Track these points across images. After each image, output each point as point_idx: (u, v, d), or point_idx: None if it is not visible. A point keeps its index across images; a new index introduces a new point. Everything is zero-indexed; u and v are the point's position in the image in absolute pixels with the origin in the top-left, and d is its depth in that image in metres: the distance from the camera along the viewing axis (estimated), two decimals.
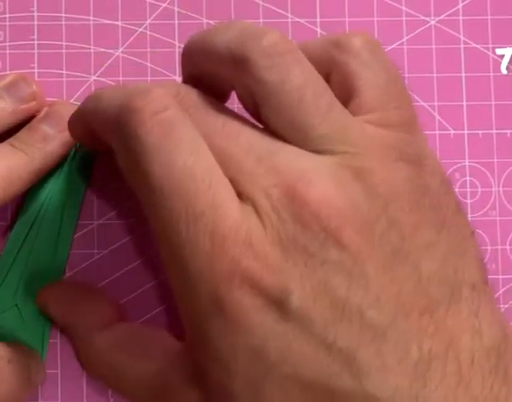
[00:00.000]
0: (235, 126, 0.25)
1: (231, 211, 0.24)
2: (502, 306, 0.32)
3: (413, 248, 0.24)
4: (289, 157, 0.24)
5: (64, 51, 0.32)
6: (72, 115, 0.29)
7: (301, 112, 0.25)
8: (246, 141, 0.25)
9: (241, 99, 0.26)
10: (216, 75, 0.27)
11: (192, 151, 0.24)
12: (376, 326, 0.23)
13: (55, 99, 0.32)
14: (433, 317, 0.24)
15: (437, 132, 0.33)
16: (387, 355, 0.23)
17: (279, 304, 0.23)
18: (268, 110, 0.25)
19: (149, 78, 0.32)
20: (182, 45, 0.32)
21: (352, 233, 0.24)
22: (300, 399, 0.24)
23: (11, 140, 0.30)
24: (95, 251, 0.32)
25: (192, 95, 0.26)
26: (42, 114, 0.31)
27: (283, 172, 0.24)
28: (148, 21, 0.33)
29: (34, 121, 0.31)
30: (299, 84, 0.25)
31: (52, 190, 0.31)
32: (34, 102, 0.31)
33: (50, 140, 0.30)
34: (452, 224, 0.25)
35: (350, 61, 0.26)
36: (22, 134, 0.30)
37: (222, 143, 0.25)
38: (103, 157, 0.32)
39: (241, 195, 0.24)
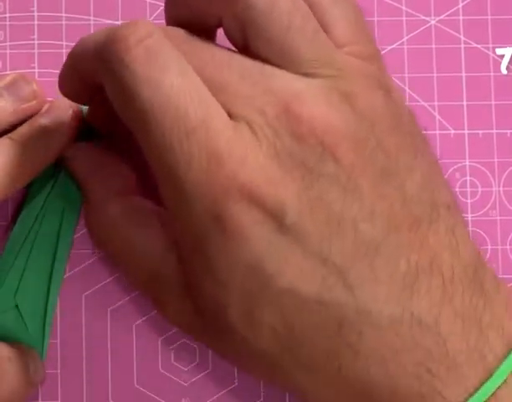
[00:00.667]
0: (225, 55, 0.26)
1: (224, 127, 0.24)
2: None
3: (398, 168, 0.25)
4: (282, 79, 0.25)
5: (64, 51, 0.32)
6: (62, 68, 0.29)
7: (291, 37, 0.25)
8: (238, 68, 0.25)
9: (229, 34, 0.26)
10: (202, 14, 0.27)
11: (178, 73, 0.24)
12: (370, 240, 0.24)
13: (56, 99, 0.32)
14: (418, 233, 0.25)
15: (437, 132, 0.33)
16: (379, 268, 0.24)
17: (276, 217, 0.24)
18: (258, 36, 0.25)
19: None
20: None
21: (347, 149, 0.24)
22: (295, 313, 0.24)
23: (11, 134, 0.30)
24: (95, 251, 0.32)
25: (178, 31, 0.26)
26: (43, 110, 0.31)
27: (277, 92, 0.25)
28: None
29: (36, 116, 0.31)
30: (287, 9, 0.25)
31: (52, 190, 0.31)
32: (35, 101, 0.31)
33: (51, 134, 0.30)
34: (423, 150, 0.26)
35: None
36: (23, 128, 0.30)
37: (214, 72, 0.25)
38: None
39: (233, 116, 0.25)
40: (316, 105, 0.25)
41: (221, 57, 0.25)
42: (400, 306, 0.24)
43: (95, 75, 0.26)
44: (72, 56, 0.28)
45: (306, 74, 0.25)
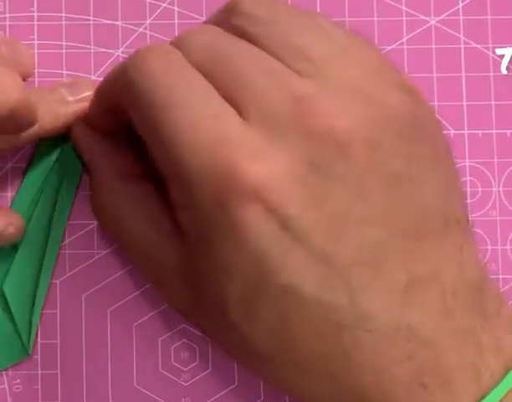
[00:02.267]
0: (247, 50, 0.26)
1: (233, 122, 0.24)
2: None
3: (412, 175, 0.25)
4: (298, 78, 0.25)
5: (63, 51, 0.32)
6: (89, 107, 0.30)
7: (297, 38, 0.26)
8: (260, 64, 0.25)
9: None
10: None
11: (192, 80, 0.25)
12: (376, 245, 0.24)
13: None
14: (425, 245, 0.24)
15: None
16: (381, 275, 0.24)
17: (280, 214, 0.24)
18: (264, 43, 0.26)
19: None
20: None
21: (359, 149, 0.24)
22: (293, 311, 0.24)
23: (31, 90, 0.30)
24: (95, 251, 0.32)
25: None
26: (65, 81, 0.31)
27: (292, 89, 0.25)
28: (148, 21, 0.33)
29: (56, 84, 0.31)
30: (286, 18, 0.26)
31: (48, 176, 0.31)
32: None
33: (65, 104, 0.30)
34: (446, 162, 0.26)
35: None
36: (40, 90, 0.30)
37: (233, 68, 0.25)
38: None
39: (246, 113, 0.25)
40: (333, 101, 0.24)
41: (246, 50, 0.26)
42: (398, 316, 0.24)
43: (116, 98, 0.27)
44: (97, 92, 0.29)
45: (319, 75, 0.25)
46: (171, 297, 0.28)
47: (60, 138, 0.31)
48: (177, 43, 0.27)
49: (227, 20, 0.27)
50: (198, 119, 0.24)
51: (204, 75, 0.25)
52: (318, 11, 0.33)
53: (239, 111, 0.25)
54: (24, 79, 0.31)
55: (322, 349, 0.24)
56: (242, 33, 0.26)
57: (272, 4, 0.27)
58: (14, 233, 0.30)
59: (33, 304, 0.31)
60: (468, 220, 0.26)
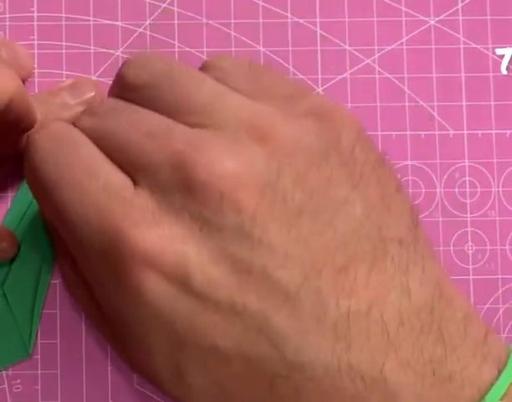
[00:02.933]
0: (133, 113, 0.25)
1: (120, 192, 0.24)
2: (501, 306, 0.32)
3: (324, 204, 0.23)
4: (182, 131, 0.24)
5: (64, 51, 0.32)
6: None
7: (181, 91, 0.25)
8: (145, 126, 0.25)
9: None
10: None
11: (78, 146, 0.25)
12: (287, 287, 0.22)
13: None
14: (353, 275, 0.23)
15: (436, 132, 0.33)
16: (304, 316, 0.22)
17: (177, 277, 0.23)
18: (153, 106, 0.25)
19: None
20: (182, 45, 0.32)
21: (249, 194, 0.23)
22: (220, 370, 0.23)
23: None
24: None
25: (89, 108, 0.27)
26: (66, 83, 0.31)
27: (175, 145, 0.24)
28: (148, 21, 0.33)
29: (57, 87, 0.31)
30: (168, 78, 0.26)
31: None
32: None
33: (67, 109, 0.30)
34: (371, 179, 0.24)
35: None
36: (41, 95, 0.30)
37: (120, 136, 0.25)
38: None
39: (135, 177, 0.24)
40: (215, 149, 0.23)
41: (129, 117, 0.25)
42: (335, 357, 0.22)
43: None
44: None
45: (205, 124, 0.24)
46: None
47: None
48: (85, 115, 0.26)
49: (119, 94, 0.26)
50: (85, 194, 0.24)
51: (99, 148, 0.25)
52: (318, 11, 0.33)
53: (132, 180, 0.24)
54: (24, 81, 0.31)
55: None
56: (133, 102, 0.26)
57: (153, 67, 0.26)
58: (6, 249, 0.30)
59: (33, 304, 0.31)
60: (415, 237, 0.24)
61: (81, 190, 0.24)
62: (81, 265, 0.25)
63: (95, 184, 0.24)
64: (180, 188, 0.23)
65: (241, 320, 0.22)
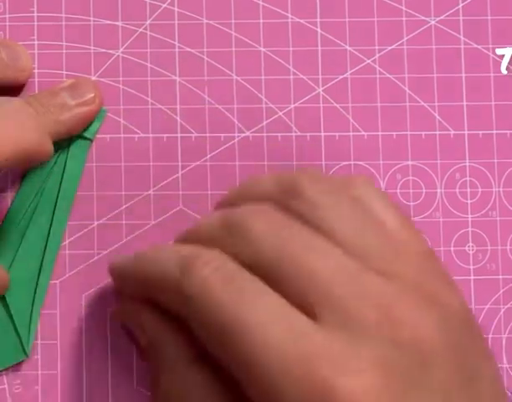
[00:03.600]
0: (321, 244, 0.25)
1: (310, 331, 0.23)
2: (502, 306, 0.32)
3: (478, 373, 0.24)
4: (374, 280, 0.24)
5: (64, 51, 0.32)
6: (120, 271, 0.28)
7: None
8: (334, 264, 0.24)
9: None
10: None
11: (256, 294, 0.24)
12: None
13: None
14: None
15: (437, 132, 0.33)
16: None
17: None
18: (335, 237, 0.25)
19: (149, 78, 0.32)
20: (182, 45, 0.32)
21: (442, 363, 0.23)
22: None
23: (28, 97, 0.30)
24: (95, 251, 0.32)
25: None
26: (66, 83, 0.31)
27: (373, 296, 0.24)
28: (148, 21, 0.33)
29: (57, 87, 0.31)
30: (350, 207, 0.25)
31: (48, 177, 0.31)
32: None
33: (67, 109, 0.30)
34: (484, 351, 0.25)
35: None
36: (41, 95, 0.30)
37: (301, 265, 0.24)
38: (102, 155, 0.32)
39: (322, 318, 0.23)
40: (411, 309, 0.23)
41: (309, 245, 0.24)
42: None
43: (164, 297, 0.26)
44: (135, 273, 0.27)
45: (391, 275, 0.24)
46: None
47: (61, 140, 0.31)
48: (232, 230, 0.25)
49: (284, 201, 0.25)
50: (272, 337, 0.23)
51: (265, 273, 0.24)
52: (318, 11, 0.33)
53: (307, 311, 0.23)
54: (24, 81, 0.31)
55: None
56: (303, 219, 0.25)
57: (336, 189, 0.26)
58: None
59: (33, 304, 0.31)
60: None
61: (269, 332, 0.23)
62: (253, 390, 0.24)
63: (281, 326, 0.23)
64: (382, 340, 0.23)
65: None
